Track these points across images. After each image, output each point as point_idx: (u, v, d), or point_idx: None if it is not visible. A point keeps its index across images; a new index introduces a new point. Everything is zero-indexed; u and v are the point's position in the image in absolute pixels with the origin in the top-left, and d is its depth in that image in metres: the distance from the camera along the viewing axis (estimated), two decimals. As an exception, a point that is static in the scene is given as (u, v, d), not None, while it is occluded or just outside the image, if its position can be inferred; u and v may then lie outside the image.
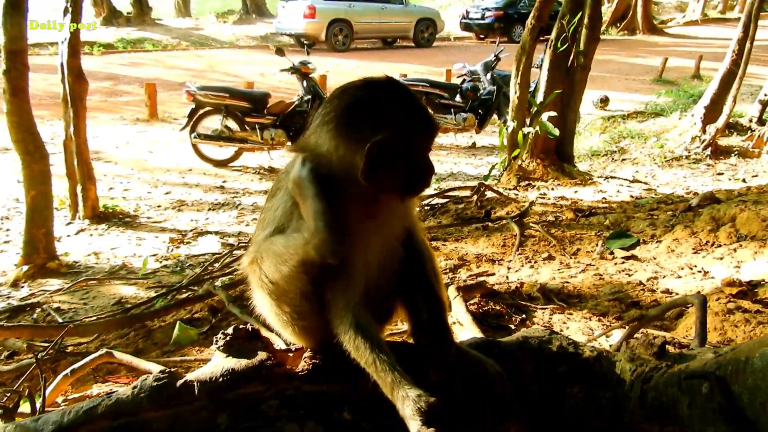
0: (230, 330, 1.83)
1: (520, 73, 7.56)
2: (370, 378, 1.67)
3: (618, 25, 30.15)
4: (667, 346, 1.92)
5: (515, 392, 1.87)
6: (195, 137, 10.78)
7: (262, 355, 1.79)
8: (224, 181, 10.52)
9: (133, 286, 6.19)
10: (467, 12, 27.74)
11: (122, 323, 3.96)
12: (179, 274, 6.23)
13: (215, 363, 1.79)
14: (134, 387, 1.70)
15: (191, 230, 8.17)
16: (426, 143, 1.73)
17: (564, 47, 7.32)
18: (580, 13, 7.32)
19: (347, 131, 1.63)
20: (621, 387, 1.87)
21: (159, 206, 9.26)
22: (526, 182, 7.44)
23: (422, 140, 1.71)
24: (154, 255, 7.25)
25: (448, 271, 4.42)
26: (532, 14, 7.78)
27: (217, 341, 1.82)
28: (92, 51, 20.01)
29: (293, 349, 1.90)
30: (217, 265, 5.73)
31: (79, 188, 8.21)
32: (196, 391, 1.70)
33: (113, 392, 1.70)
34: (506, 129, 7.60)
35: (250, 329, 1.85)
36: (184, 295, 4.65)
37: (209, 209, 9.15)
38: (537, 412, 1.89)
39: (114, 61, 19.85)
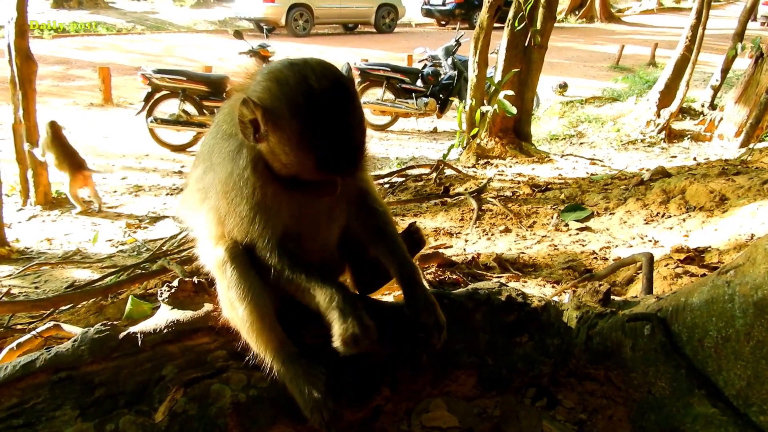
0: (175, 283, 1.79)
1: (478, 51, 7.57)
2: (305, 301, 1.68)
3: (576, 13, 30.57)
4: (612, 295, 1.96)
5: (465, 341, 1.88)
6: (151, 122, 10.53)
7: (208, 306, 1.76)
8: (183, 166, 10.30)
9: (88, 269, 6.04)
10: (428, -2, 27.77)
11: (73, 299, 3.84)
12: (136, 258, 6.10)
13: (160, 315, 1.76)
14: (74, 340, 1.65)
15: (148, 215, 8.00)
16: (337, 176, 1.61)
17: (521, 26, 7.36)
18: (537, -9, 7.36)
19: (273, 124, 1.51)
20: (568, 334, 1.90)
21: (115, 192, 9.05)
22: (485, 160, 7.49)
23: (333, 174, 1.58)
24: (109, 240, 7.08)
25: (406, 244, 4.41)
26: (490, -9, 7.73)
27: (161, 294, 1.78)
28: (42, 34, 19.34)
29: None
30: (175, 241, 5.62)
31: (30, 174, 7.97)
32: (140, 342, 1.66)
33: (52, 347, 1.65)
34: (464, 108, 7.62)
35: (196, 282, 1.82)
36: (138, 272, 4.55)
37: (167, 194, 8.97)
38: (487, 361, 1.90)
39: (66, 44, 19.22)
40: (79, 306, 4.10)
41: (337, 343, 1.60)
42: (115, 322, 1.68)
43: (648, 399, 1.71)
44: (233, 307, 1.69)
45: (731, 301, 1.54)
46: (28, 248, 6.92)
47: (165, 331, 1.69)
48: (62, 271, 6.05)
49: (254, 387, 1.67)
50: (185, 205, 1.90)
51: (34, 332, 2.72)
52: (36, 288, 5.57)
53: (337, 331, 1.60)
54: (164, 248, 5.57)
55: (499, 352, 1.91)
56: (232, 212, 1.65)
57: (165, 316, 1.74)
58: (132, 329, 1.69)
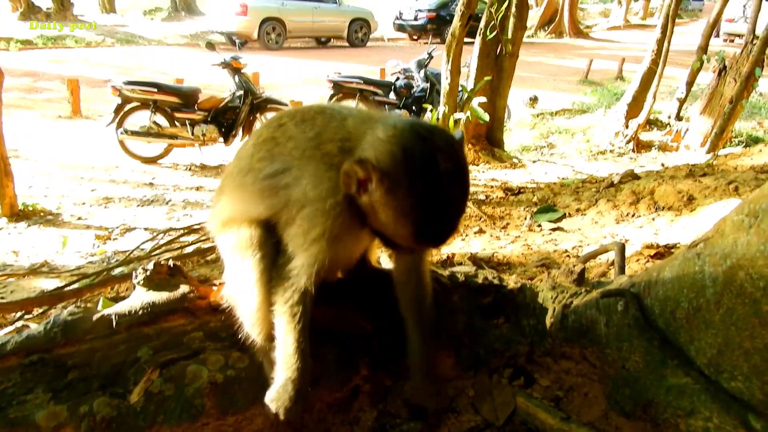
0: (150, 265, 1.77)
1: (451, 59, 7.67)
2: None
3: (546, 28, 31.19)
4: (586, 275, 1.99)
5: (443, 323, 1.90)
6: (122, 133, 10.38)
7: (184, 288, 1.74)
8: (153, 178, 10.18)
9: (56, 279, 5.91)
10: (400, 13, 27.97)
11: (42, 302, 3.76)
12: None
13: (135, 297, 1.73)
14: (47, 323, 1.62)
15: (119, 226, 7.87)
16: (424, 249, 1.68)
17: (493, 35, 7.49)
18: (507, 1, 7.49)
19: (387, 188, 1.47)
20: (543, 314, 1.92)
21: (83, 203, 8.88)
22: (458, 167, 7.54)
23: (423, 247, 1.65)
24: (78, 252, 6.94)
25: (381, 246, 4.43)
26: (461, 1, 7.84)
27: (136, 276, 1.75)
28: (8, 47, 19.05)
29: (217, 284, 1.87)
30: (148, 246, 5.55)
31: (-5, 186, 7.80)
32: (114, 324, 1.64)
33: (24, 327, 1.61)
34: (437, 116, 7.70)
35: (171, 265, 1.80)
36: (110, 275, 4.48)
37: (138, 205, 8.84)
38: (464, 342, 1.92)
39: (33, 57, 18.93)
40: (49, 311, 4.02)
41: (267, 398, 1.63)
42: (87, 305, 1.64)
43: (622, 374, 1.74)
44: (245, 289, 1.69)
45: (701, 272, 1.58)
46: (-8, 261, 6.75)
47: (140, 312, 1.67)
48: (29, 282, 5.91)
49: (232, 368, 1.66)
50: (232, 179, 1.84)
51: (6, 330, 2.65)
52: (2, 298, 5.43)
53: (272, 391, 1.64)
54: (135, 254, 5.49)
55: (477, 333, 1.93)
56: (296, 223, 1.62)
57: (140, 297, 1.71)
58: (106, 311, 1.66)
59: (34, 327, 1.62)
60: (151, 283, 1.74)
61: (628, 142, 11.07)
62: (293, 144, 1.69)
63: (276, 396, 1.62)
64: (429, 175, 1.45)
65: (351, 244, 1.73)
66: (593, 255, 3.04)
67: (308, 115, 1.75)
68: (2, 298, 5.45)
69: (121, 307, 1.69)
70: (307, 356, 1.65)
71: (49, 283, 5.78)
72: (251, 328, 1.71)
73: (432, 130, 1.53)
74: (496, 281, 1.99)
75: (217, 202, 1.90)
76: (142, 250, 5.84)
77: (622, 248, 2.56)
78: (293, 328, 1.63)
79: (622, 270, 2.49)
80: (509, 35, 7.63)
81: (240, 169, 1.80)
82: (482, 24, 7.68)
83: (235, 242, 1.73)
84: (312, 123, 1.70)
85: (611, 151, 10.91)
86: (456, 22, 7.69)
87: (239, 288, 1.72)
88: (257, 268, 1.67)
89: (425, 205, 1.46)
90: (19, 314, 3.84)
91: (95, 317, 1.64)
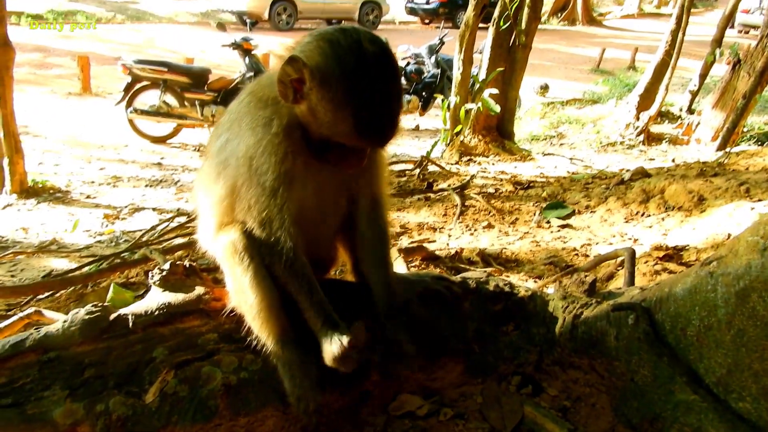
0: (166, 266, 1.79)
1: (463, 49, 7.63)
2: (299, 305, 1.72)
3: (559, 15, 30.86)
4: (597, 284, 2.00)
5: (453, 329, 1.91)
6: (131, 112, 10.40)
7: (199, 289, 1.76)
8: (162, 158, 10.21)
9: (65, 259, 5.95)
10: (413, -4, 27.79)
11: (53, 286, 3.80)
12: (114, 249, 6.03)
13: (151, 297, 1.76)
14: (65, 320, 1.64)
15: (127, 206, 7.90)
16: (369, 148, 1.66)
17: (506, 26, 7.44)
18: (522, -8, 7.45)
19: (319, 82, 1.51)
20: (553, 323, 1.93)
21: (92, 182, 8.92)
22: (468, 158, 7.56)
23: (367, 146, 1.63)
24: (87, 230, 6.99)
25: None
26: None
27: (152, 276, 1.78)
28: (19, 22, 19.00)
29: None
30: (157, 230, 5.58)
31: (5, 162, 7.83)
32: (131, 324, 1.66)
33: (42, 326, 1.64)
34: (448, 105, 7.69)
35: (187, 266, 1.82)
36: (119, 261, 4.51)
37: (146, 185, 8.87)
38: (474, 349, 1.93)
39: (44, 32, 18.89)
40: (59, 294, 4.05)
41: (325, 359, 1.68)
42: (105, 304, 1.67)
43: (630, 387, 1.76)
44: (243, 293, 1.71)
45: (714, 291, 1.59)
46: (2, 237, 6.80)
47: (156, 313, 1.70)
48: (39, 261, 5.96)
49: (245, 370, 1.68)
50: (198, 181, 1.90)
51: (20, 314, 2.69)
52: (12, 276, 5.48)
53: (324, 350, 1.68)
54: (145, 238, 5.52)
55: (486, 340, 1.94)
56: (253, 183, 1.64)
57: (156, 298, 1.74)
58: (123, 311, 1.69)
59: (53, 325, 1.64)
60: (167, 283, 1.76)
61: (638, 134, 10.98)
62: (231, 114, 1.77)
63: (327, 356, 1.67)
64: (357, 58, 1.48)
65: (316, 184, 1.74)
66: (603, 259, 3.05)
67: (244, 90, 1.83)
68: (12, 276, 5.50)
69: (138, 307, 1.72)
70: (322, 300, 1.71)
71: (58, 262, 5.83)
72: (259, 331, 1.73)
73: (354, 26, 1.58)
74: (507, 288, 2.00)
75: (198, 216, 1.95)
76: (153, 233, 5.87)
77: (632, 255, 2.57)
78: (298, 284, 1.68)
79: (632, 278, 2.50)
80: (523, 26, 7.58)
81: (201, 168, 1.88)
82: (496, 13, 7.62)
83: (222, 253, 1.76)
84: (244, 92, 1.79)
85: (621, 143, 10.83)
86: (470, 12, 7.64)
87: (239, 293, 1.75)
88: (248, 272, 1.70)
89: (359, 88, 1.48)
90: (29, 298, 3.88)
91: (112, 317, 1.66)
